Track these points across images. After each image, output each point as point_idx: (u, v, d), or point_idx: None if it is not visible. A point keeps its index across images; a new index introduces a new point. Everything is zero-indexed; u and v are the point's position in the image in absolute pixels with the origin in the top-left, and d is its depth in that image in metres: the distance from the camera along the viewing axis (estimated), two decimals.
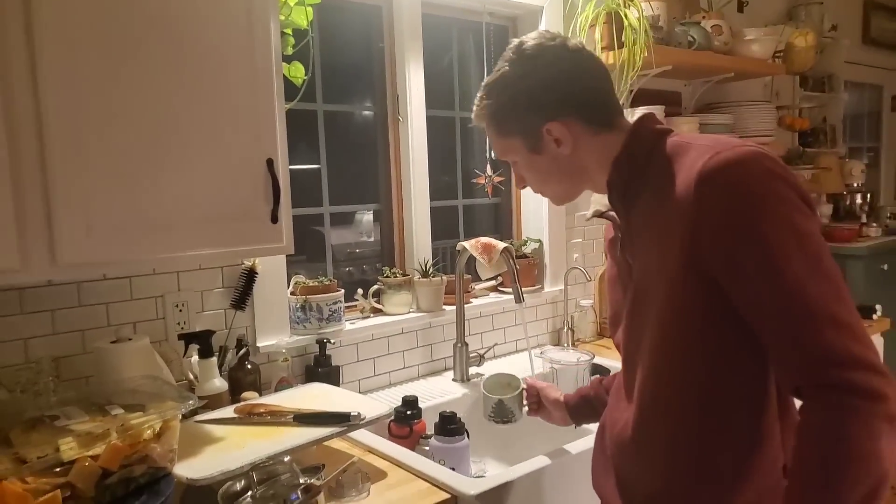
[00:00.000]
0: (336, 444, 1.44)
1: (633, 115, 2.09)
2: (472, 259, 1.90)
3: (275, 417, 1.35)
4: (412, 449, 1.48)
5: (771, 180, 0.82)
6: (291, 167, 1.35)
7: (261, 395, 1.52)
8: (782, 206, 0.81)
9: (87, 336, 1.39)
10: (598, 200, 1.10)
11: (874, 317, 2.58)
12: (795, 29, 2.95)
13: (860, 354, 0.76)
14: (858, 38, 3.83)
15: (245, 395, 1.49)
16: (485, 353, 2.00)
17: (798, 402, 0.84)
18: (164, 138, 1.13)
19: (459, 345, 1.92)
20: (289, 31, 1.45)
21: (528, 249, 2.26)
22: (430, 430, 1.53)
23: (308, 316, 1.72)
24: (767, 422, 0.91)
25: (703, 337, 0.89)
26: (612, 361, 1.92)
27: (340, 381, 1.75)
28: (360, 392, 1.80)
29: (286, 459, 1.12)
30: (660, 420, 0.95)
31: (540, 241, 2.28)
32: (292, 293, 1.73)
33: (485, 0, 2.09)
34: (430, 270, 1.97)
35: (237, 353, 1.56)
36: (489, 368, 2.01)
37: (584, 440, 1.42)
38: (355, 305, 1.93)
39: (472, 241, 1.86)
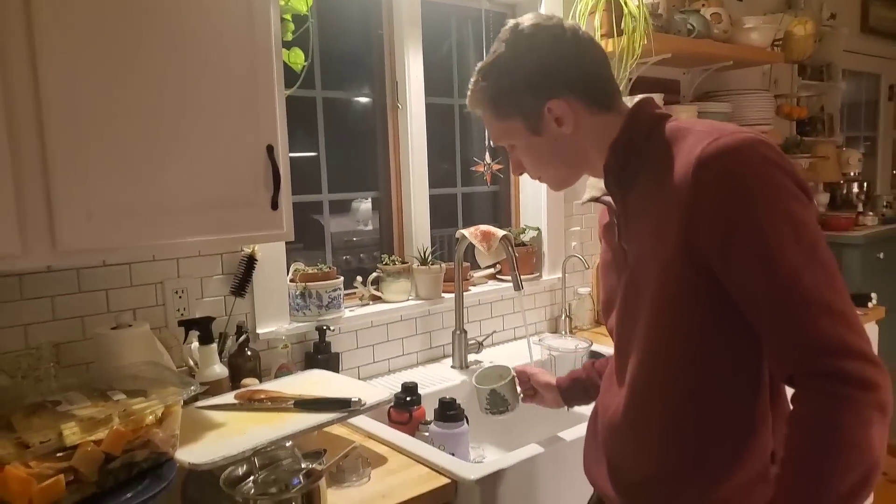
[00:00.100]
0: (336, 430, 1.45)
1: (632, 102, 2.09)
2: (470, 247, 1.90)
3: (275, 403, 1.35)
4: (412, 435, 1.48)
5: (768, 168, 0.82)
6: (290, 154, 1.34)
7: (261, 381, 1.53)
8: (778, 195, 0.81)
9: (87, 322, 1.39)
10: (594, 185, 1.09)
11: (869, 305, 2.59)
12: (794, 17, 2.94)
13: (853, 343, 0.77)
14: (857, 27, 3.82)
15: (245, 381, 1.49)
16: (483, 340, 2.01)
17: (790, 391, 0.84)
18: (164, 124, 1.13)
19: (458, 332, 1.93)
20: (288, 16, 1.44)
21: (526, 237, 2.27)
22: (430, 417, 1.54)
23: (307, 303, 1.72)
24: (760, 409, 0.91)
25: (697, 324, 0.89)
26: (610, 349, 1.91)
27: (340, 368, 1.76)
28: (359, 379, 1.81)
29: (288, 445, 1.12)
30: (652, 405, 0.96)
31: (538, 228, 2.29)
32: (291, 280, 1.74)
33: None
34: (429, 258, 1.97)
35: (237, 340, 1.56)
36: (488, 355, 2.03)
37: (583, 426, 1.43)
38: (354, 293, 1.94)
39: (472, 228, 1.87)
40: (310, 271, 1.74)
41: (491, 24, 2.12)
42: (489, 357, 2.02)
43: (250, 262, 1.58)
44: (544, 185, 2.23)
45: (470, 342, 1.95)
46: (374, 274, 1.94)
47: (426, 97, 2.01)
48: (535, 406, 1.43)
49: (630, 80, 2.22)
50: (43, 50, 1.00)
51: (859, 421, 0.75)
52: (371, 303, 1.94)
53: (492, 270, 2.22)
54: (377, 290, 1.95)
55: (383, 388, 1.48)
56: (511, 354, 2.06)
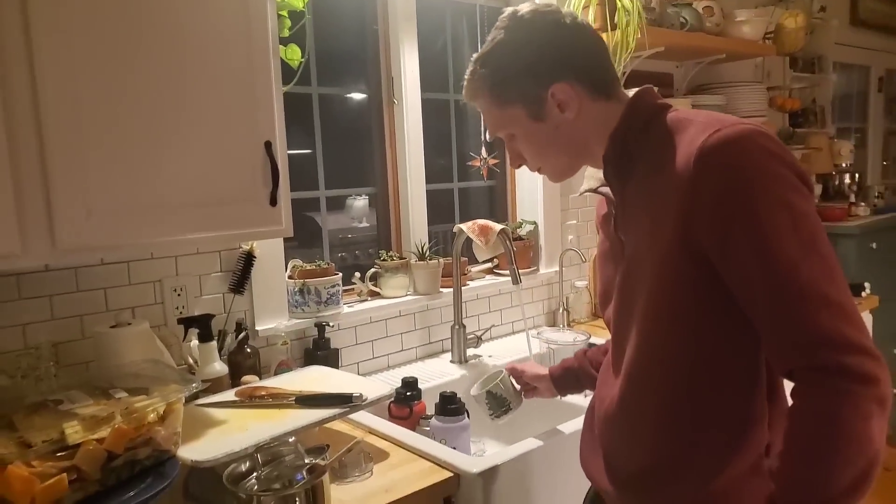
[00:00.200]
0: (337, 425, 1.45)
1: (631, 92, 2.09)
2: (468, 242, 1.90)
3: (276, 400, 1.35)
4: (412, 430, 1.49)
5: (769, 159, 0.81)
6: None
7: (260, 378, 1.53)
8: (779, 186, 0.80)
9: (86, 321, 1.39)
10: (592, 175, 1.08)
11: (863, 294, 2.62)
12: (785, 10, 2.96)
13: (853, 337, 0.77)
14: (847, 19, 3.84)
15: (245, 378, 1.49)
16: (482, 334, 2.01)
17: (788, 384, 0.84)
18: (163, 121, 1.13)
19: (457, 327, 1.93)
20: (284, 12, 1.44)
21: (523, 231, 2.27)
22: (430, 411, 1.54)
23: (306, 299, 1.72)
24: (757, 403, 0.91)
25: (693, 315, 0.89)
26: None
27: (339, 364, 1.76)
28: (358, 375, 1.81)
29: (291, 440, 1.12)
30: (647, 396, 0.95)
31: (535, 223, 2.29)
32: (290, 277, 1.73)
33: None
34: (427, 253, 1.97)
35: (236, 337, 1.56)
36: (486, 350, 2.03)
37: (582, 419, 1.44)
38: (352, 289, 1.94)
39: (469, 223, 1.87)
40: (308, 268, 1.74)
41: (486, 20, 2.12)
42: (488, 351, 2.02)
43: (249, 258, 1.57)
44: (541, 179, 2.27)
45: (469, 336, 1.96)
46: (373, 270, 1.94)
47: (422, 93, 2.01)
48: (534, 400, 1.44)
49: (624, 73, 2.23)
50: (41, 49, 1.00)
51: (859, 415, 0.75)
52: (369, 299, 1.94)
53: (489, 265, 2.23)
54: (375, 285, 1.95)
55: (384, 384, 1.48)
56: (509, 348, 2.07)
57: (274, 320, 1.67)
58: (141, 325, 1.33)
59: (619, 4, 2.08)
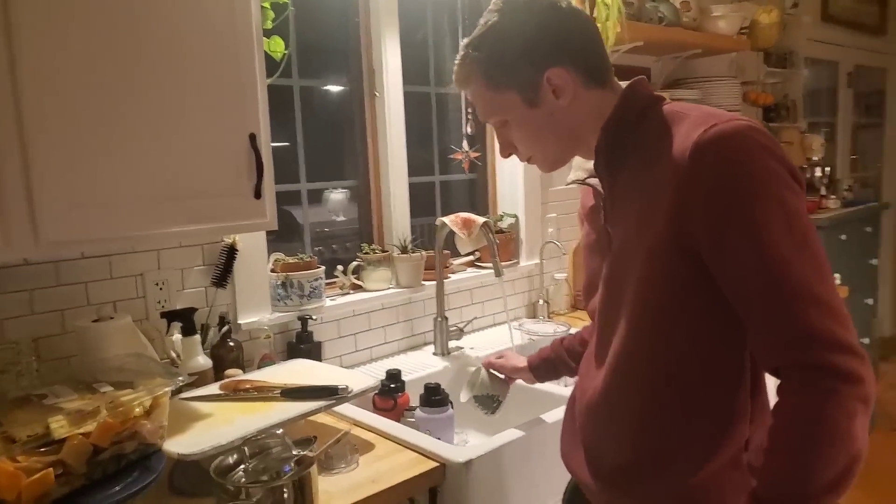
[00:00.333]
0: (321, 418, 1.45)
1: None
2: (449, 235, 1.91)
3: (261, 393, 1.35)
4: (397, 421, 1.50)
5: (764, 156, 0.81)
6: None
7: (244, 372, 1.52)
8: (773, 183, 0.80)
9: (67, 316, 1.37)
10: (580, 165, 1.07)
11: None
12: (759, 6, 3.01)
13: (841, 336, 0.77)
14: (818, 15, 3.92)
15: (229, 372, 1.49)
16: (464, 326, 2.02)
17: (771, 380, 0.85)
18: (146, 113, 1.12)
19: (439, 319, 1.94)
20: (266, 4, 1.43)
21: (504, 224, 2.29)
22: (413, 403, 1.55)
23: (289, 293, 1.71)
24: (740, 399, 0.91)
25: (682, 309, 0.89)
26: None
27: (322, 358, 1.76)
28: (342, 368, 1.81)
29: (279, 432, 1.13)
30: (632, 388, 0.95)
31: (516, 216, 2.31)
32: (272, 270, 1.73)
33: None
34: (410, 246, 1.98)
35: (219, 331, 1.55)
36: (468, 342, 2.04)
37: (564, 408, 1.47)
38: (335, 282, 1.94)
39: (452, 216, 1.88)
40: (291, 261, 1.74)
41: (467, 14, 2.13)
42: (470, 343, 2.04)
43: (231, 252, 1.56)
44: (522, 173, 2.29)
45: (451, 329, 1.97)
46: (355, 263, 1.94)
47: (403, 86, 2.01)
48: (516, 391, 1.46)
49: None
50: (22, 41, 0.98)
51: (844, 413, 0.76)
52: (351, 292, 1.94)
53: (471, 258, 2.24)
54: (358, 279, 1.95)
55: (368, 376, 1.48)
56: (491, 340, 2.08)
57: (256, 314, 1.67)
58: (123, 319, 1.32)
59: None
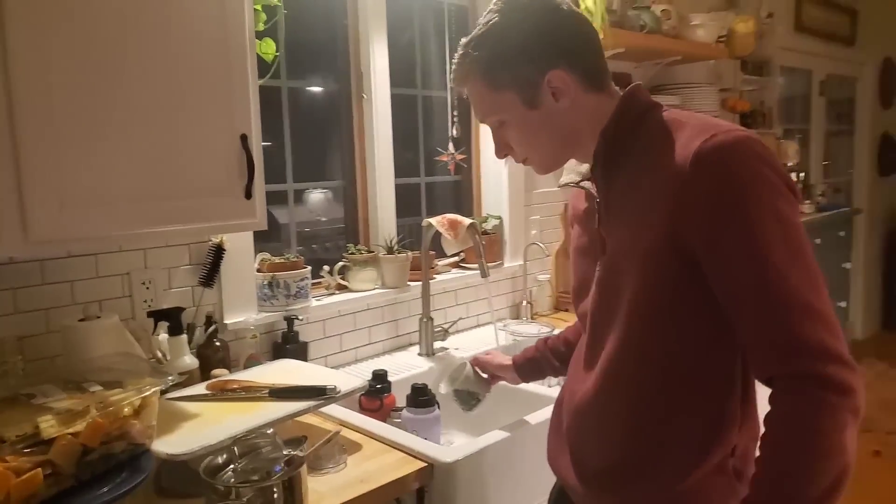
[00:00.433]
0: (308, 418, 1.45)
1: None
2: (435, 235, 1.92)
3: (249, 393, 1.35)
4: (383, 422, 1.50)
5: (763, 167, 0.82)
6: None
7: (230, 372, 1.52)
8: (771, 194, 0.81)
9: (52, 315, 1.35)
10: (572, 168, 1.07)
11: None
12: (737, 15, 3.08)
13: (834, 348, 0.78)
14: (792, 25, 4.01)
15: (215, 372, 1.48)
16: (449, 327, 2.04)
17: (761, 388, 0.86)
18: (138, 112, 1.11)
19: (425, 320, 1.95)
20: (258, 6, 1.43)
21: (488, 226, 2.31)
22: (400, 404, 1.56)
23: (275, 293, 1.71)
24: (730, 407, 0.92)
25: (676, 315, 0.89)
26: None
27: (308, 358, 1.76)
28: (327, 368, 1.81)
29: (270, 432, 1.13)
30: (625, 392, 0.95)
31: (500, 217, 2.33)
32: (259, 270, 1.73)
33: None
34: (396, 247, 1.99)
35: (206, 331, 1.54)
36: (453, 342, 2.06)
37: (550, 409, 1.49)
38: (319, 282, 1.94)
39: (439, 217, 1.89)
40: (277, 261, 1.73)
41: (453, 17, 2.14)
42: (455, 344, 2.05)
43: (218, 251, 1.56)
44: (506, 175, 2.31)
45: (436, 329, 1.98)
46: (341, 263, 1.95)
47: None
48: (502, 391, 1.47)
49: None
50: (14, 39, 0.97)
51: (836, 425, 0.77)
52: (337, 292, 1.94)
53: (455, 259, 2.26)
54: (343, 279, 1.95)
55: (355, 376, 1.49)
56: (475, 341, 2.10)
57: (243, 314, 1.66)
58: (111, 319, 1.31)
59: (583, 5, 2.14)
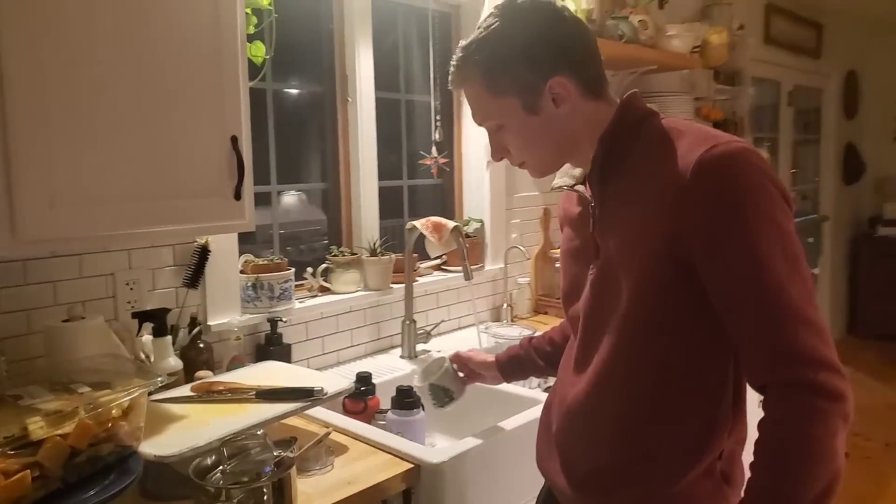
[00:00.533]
0: (292, 421, 1.45)
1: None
2: (419, 238, 1.94)
3: (235, 394, 1.34)
4: (367, 424, 1.51)
5: (763, 178, 0.84)
6: None
7: (214, 374, 1.51)
8: (769, 204, 0.83)
9: (33, 315, 1.33)
10: (566, 172, 1.07)
11: None
12: (710, 26, 3.15)
13: (826, 356, 0.80)
14: (761, 38, 4.12)
15: (200, 373, 1.47)
16: (432, 329, 2.05)
17: (751, 394, 0.88)
18: (130, 114, 1.11)
19: (408, 322, 1.96)
20: (248, 10, 1.43)
21: (470, 229, 2.33)
22: (383, 406, 1.56)
23: (259, 294, 1.71)
24: (721, 413, 0.93)
25: (672, 320, 0.90)
26: None
27: (291, 360, 1.75)
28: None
29: (259, 433, 1.13)
30: (616, 395, 0.96)
31: (481, 220, 2.36)
32: (242, 271, 1.72)
33: None
34: (379, 249, 2.00)
35: (189, 332, 1.53)
36: (435, 345, 2.07)
37: (533, 410, 1.51)
38: (303, 284, 1.94)
39: (423, 220, 1.91)
40: (261, 262, 1.73)
41: (437, 23, 2.17)
42: (437, 346, 2.06)
43: (203, 253, 1.55)
44: (487, 179, 2.34)
45: (419, 332, 1.99)
46: (324, 265, 1.95)
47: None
48: (484, 394, 1.47)
49: None
50: (6, 38, 0.97)
51: (828, 431, 0.78)
52: (319, 294, 1.94)
53: (437, 261, 2.27)
54: (326, 281, 1.95)
55: (342, 378, 1.49)
56: (457, 343, 2.11)
57: (226, 315, 1.66)
58: (96, 320, 1.30)
59: None
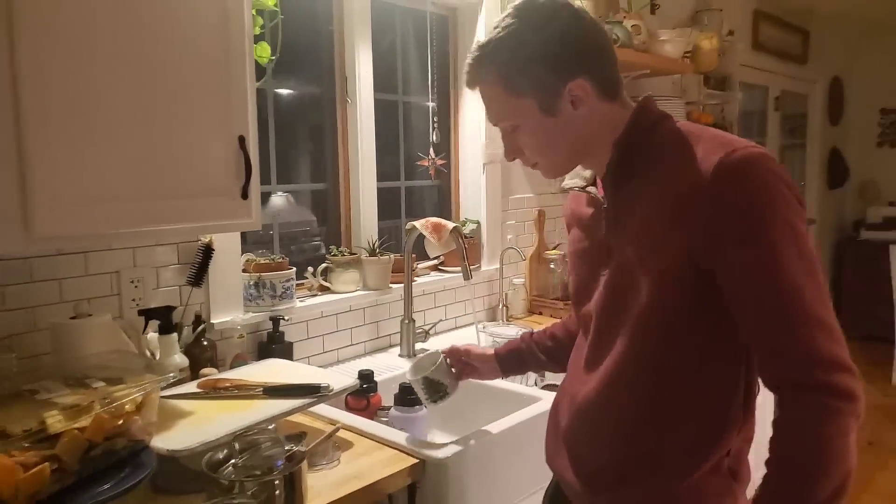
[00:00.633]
0: (297, 417, 1.47)
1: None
2: (418, 238, 1.96)
3: (242, 391, 1.36)
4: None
5: (780, 183, 0.85)
6: None
7: (218, 371, 1.52)
8: (787, 209, 0.84)
9: (39, 313, 1.34)
10: (577, 173, 1.07)
11: None
12: (701, 32, 3.21)
13: (840, 357, 0.82)
14: (749, 44, 4.20)
15: (204, 371, 1.48)
16: (430, 328, 2.07)
17: (763, 393, 0.90)
18: (140, 113, 1.12)
19: (407, 321, 1.98)
20: (254, 11, 1.45)
21: (467, 230, 2.36)
22: (384, 403, 1.58)
23: (261, 293, 1.72)
24: (731, 412, 0.94)
25: (687, 321, 0.91)
26: None
27: (292, 359, 1.77)
28: None
29: (271, 427, 1.14)
30: (625, 393, 0.97)
31: (478, 221, 2.39)
32: (244, 270, 1.73)
33: None
34: (378, 249, 2.02)
35: (194, 330, 1.55)
36: (434, 344, 2.09)
37: (534, 406, 1.54)
38: (303, 284, 1.95)
39: (423, 220, 1.93)
40: (263, 261, 1.75)
41: (434, 26, 2.19)
42: (435, 346, 2.08)
43: (207, 251, 1.56)
44: (483, 181, 2.36)
45: (417, 331, 2.01)
46: (324, 265, 1.97)
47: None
48: (483, 391, 1.49)
49: None
50: (21, 40, 0.98)
51: (841, 431, 0.80)
52: (319, 293, 1.96)
53: (435, 262, 2.30)
54: (326, 280, 1.97)
55: (346, 375, 1.51)
56: (455, 342, 2.12)
57: (229, 314, 1.67)
58: (103, 317, 1.31)
59: None
